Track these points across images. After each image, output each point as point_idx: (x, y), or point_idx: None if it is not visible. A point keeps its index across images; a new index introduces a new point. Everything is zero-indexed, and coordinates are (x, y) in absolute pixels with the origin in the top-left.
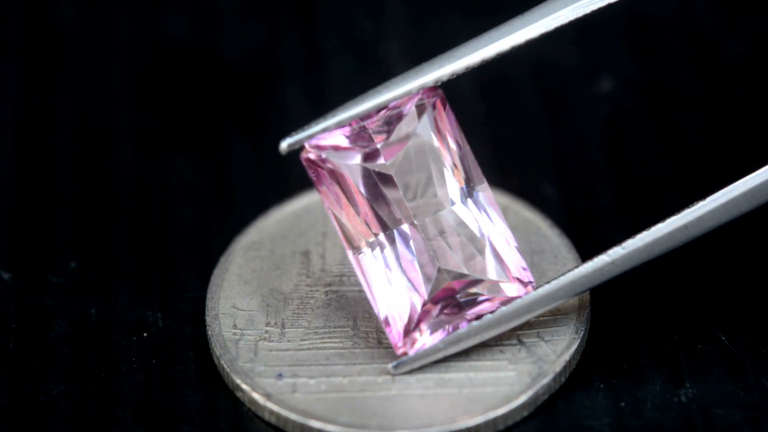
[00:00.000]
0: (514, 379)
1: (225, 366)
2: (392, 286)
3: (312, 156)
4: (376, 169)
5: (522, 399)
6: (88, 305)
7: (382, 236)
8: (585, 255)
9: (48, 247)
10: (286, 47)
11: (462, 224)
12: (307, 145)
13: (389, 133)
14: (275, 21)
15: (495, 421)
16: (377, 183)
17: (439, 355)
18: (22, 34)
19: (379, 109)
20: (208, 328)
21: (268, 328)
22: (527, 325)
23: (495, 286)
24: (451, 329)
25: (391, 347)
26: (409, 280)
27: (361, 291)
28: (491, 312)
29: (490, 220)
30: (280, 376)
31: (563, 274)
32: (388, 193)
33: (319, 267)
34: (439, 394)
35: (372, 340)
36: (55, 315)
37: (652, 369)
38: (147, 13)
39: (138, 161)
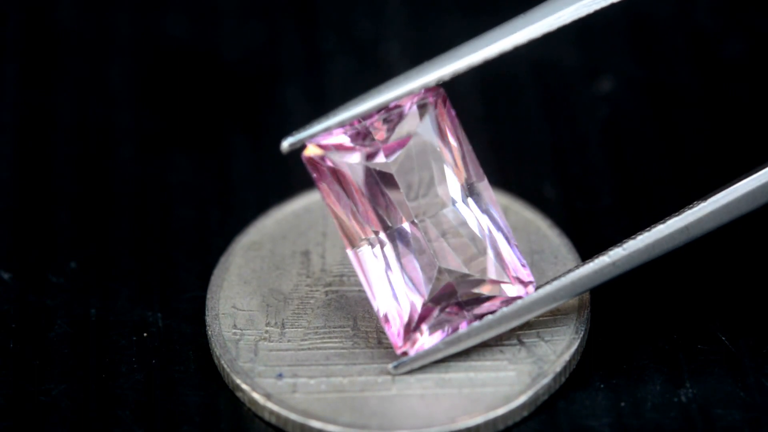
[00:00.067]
0: (514, 379)
1: (225, 366)
2: (392, 285)
3: (313, 155)
4: (378, 168)
5: (522, 399)
6: (88, 305)
7: (382, 235)
8: (585, 255)
9: (48, 247)
10: (286, 47)
11: (463, 224)
12: (308, 144)
13: (391, 132)
14: (275, 21)
15: (495, 421)
16: (378, 182)
17: (439, 356)
18: (22, 34)
19: (380, 109)
20: (208, 328)
21: (268, 328)
22: (527, 325)
23: (495, 286)
24: (451, 329)
25: (391, 347)
26: (410, 280)
27: (361, 291)
28: (492, 312)
29: (491, 219)
30: (280, 376)
31: (563, 275)
32: (389, 192)
33: (319, 267)
34: (439, 394)
35: (372, 340)
36: (55, 315)
37: (652, 369)
38: (147, 13)
39: (138, 161)
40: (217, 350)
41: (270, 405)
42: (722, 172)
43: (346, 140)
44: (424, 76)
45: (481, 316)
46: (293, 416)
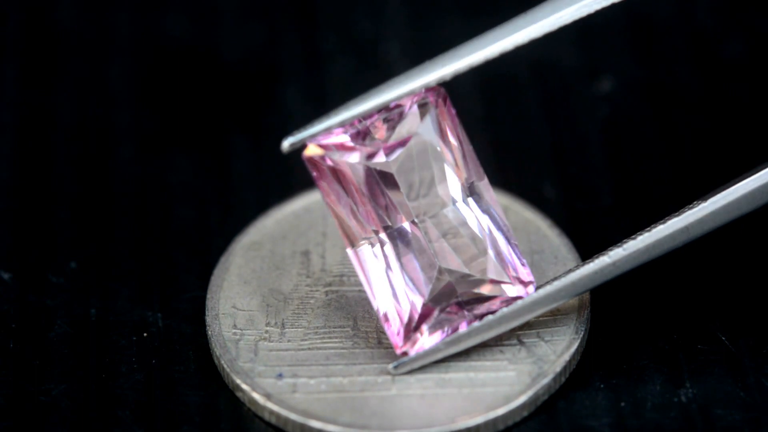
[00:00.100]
0: (514, 379)
1: (225, 366)
2: (392, 285)
3: (314, 155)
4: (378, 168)
5: (522, 399)
6: (88, 305)
7: (382, 234)
8: (585, 255)
9: (48, 247)
10: (286, 47)
11: (463, 224)
12: (309, 144)
13: (391, 131)
14: (275, 21)
15: (495, 421)
16: (378, 182)
17: (439, 356)
18: (22, 34)
19: (381, 108)
20: (208, 328)
21: (268, 328)
22: (527, 325)
23: (496, 286)
24: (451, 329)
25: (391, 347)
26: (410, 280)
27: (361, 291)
28: (492, 312)
29: (491, 219)
30: (280, 376)
31: (564, 275)
32: (390, 192)
33: (319, 267)
34: (439, 394)
35: (372, 340)
36: (55, 315)
37: (652, 369)
38: (147, 13)
39: (138, 161)
40: (217, 350)
41: (270, 405)
42: (722, 172)
43: (346, 140)
44: (425, 76)
45: (481, 316)
46: (293, 416)
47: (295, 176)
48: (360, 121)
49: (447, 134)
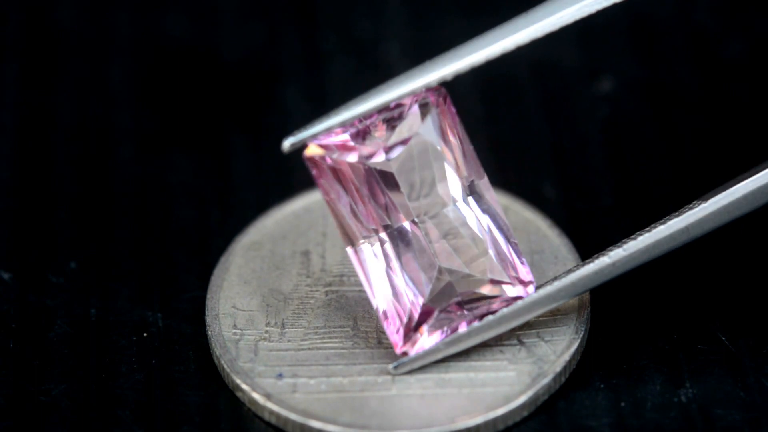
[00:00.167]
0: (514, 379)
1: (225, 366)
2: (392, 285)
3: (314, 154)
4: (378, 168)
5: (522, 399)
6: (88, 305)
7: (383, 234)
8: (585, 255)
9: (48, 247)
10: (286, 47)
11: (463, 223)
12: (309, 144)
13: (391, 131)
14: (275, 21)
15: (495, 421)
16: (379, 181)
17: (439, 356)
18: (22, 34)
19: (381, 108)
20: (208, 328)
21: (268, 328)
22: (527, 325)
23: (496, 286)
24: (451, 329)
25: (391, 347)
26: (410, 280)
27: (361, 291)
28: (492, 312)
29: (492, 219)
30: (280, 376)
31: (563, 275)
32: (390, 191)
33: (319, 267)
34: (439, 394)
35: (372, 340)
36: (55, 315)
37: (652, 369)
38: (147, 13)
39: (138, 161)
40: (217, 350)
41: (270, 405)
42: (722, 172)
43: (347, 139)
44: (426, 76)
45: (481, 316)
46: (293, 416)
47: (295, 176)
48: (360, 121)
49: (447, 134)
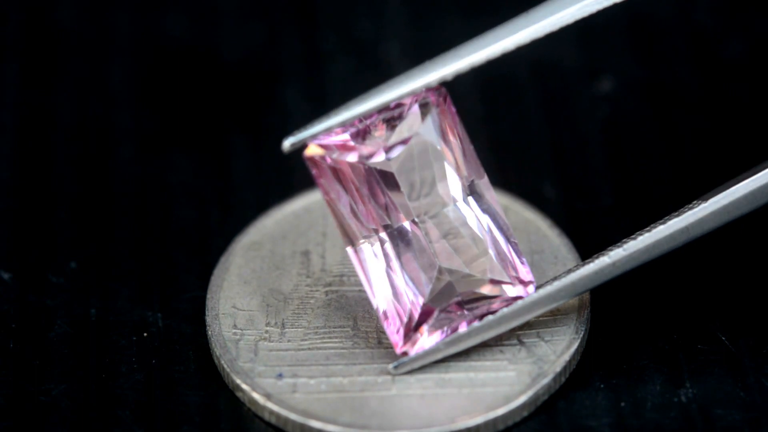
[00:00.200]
0: (514, 379)
1: (225, 366)
2: (393, 285)
3: (314, 154)
4: (378, 168)
5: (522, 399)
6: (88, 305)
7: (383, 234)
8: (585, 255)
9: (48, 247)
10: (286, 47)
11: (464, 223)
12: (309, 144)
13: (392, 131)
14: (275, 21)
15: (495, 421)
16: (379, 181)
17: (439, 356)
18: (22, 34)
19: (381, 108)
20: (208, 328)
21: (268, 328)
22: (527, 325)
23: (496, 286)
24: (451, 329)
25: (391, 347)
26: (410, 280)
27: (361, 291)
28: (492, 312)
29: (492, 218)
30: (280, 376)
31: (563, 275)
32: (390, 191)
33: (319, 267)
34: (439, 394)
35: (372, 340)
36: (55, 315)
37: (652, 369)
38: (147, 13)
39: (138, 161)
40: (217, 350)
41: (270, 405)
42: (722, 172)
43: (347, 139)
44: (426, 76)
45: (481, 316)
46: (293, 416)
47: (295, 176)
48: (360, 121)
49: (448, 134)
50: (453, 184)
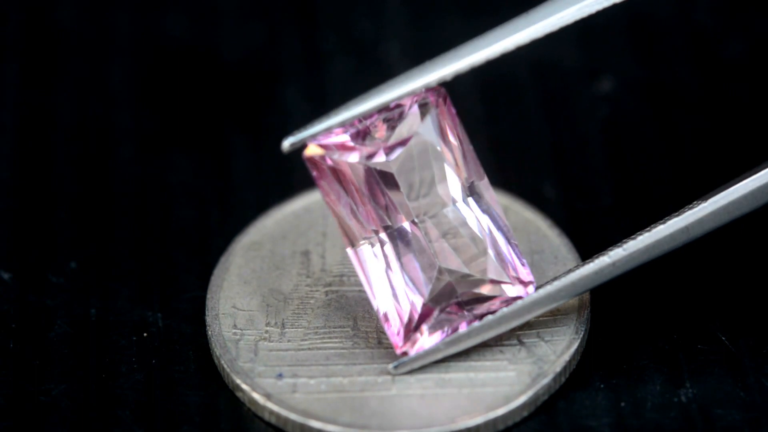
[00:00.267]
0: (514, 379)
1: (225, 366)
2: (392, 285)
3: (314, 154)
4: (378, 168)
5: (522, 399)
6: (88, 305)
7: (383, 234)
8: (585, 255)
9: (48, 247)
10: (286, 47)
11: (463, 224)
12: (309, 144)
13: (391, 131)
14: (275, 21)
15: (495, 421)
16: (378, 182)
17: (439, 356)
18: (22, 34)
19: (381, 109)
20: (208, 328)
21: (268, 328)
22: (527, 325)
23: (496, 286)
24: (451, 329)
25: (391, 347)
26: (410, 280)
27: (362, 291)
28: (492, 312)
29: (492, 219)
30: (280, 376)
31: (563, 275)
32: (390, 191)
33: (319, 267)
34: (439, 394)
35: (372, 340)
36: (55, 315)
37: (652, 369)
38: (147, 13)
39: (138, 161)
40: (217, 350)
41: (270, 405)
42: (722, 172)
43: (346, 140)
44: (425, 76)
45: (481, 316)
46: (293, 416)
47: (295, 176)
48: (360, 121)
49: (447, 134)
50: (453, 184)
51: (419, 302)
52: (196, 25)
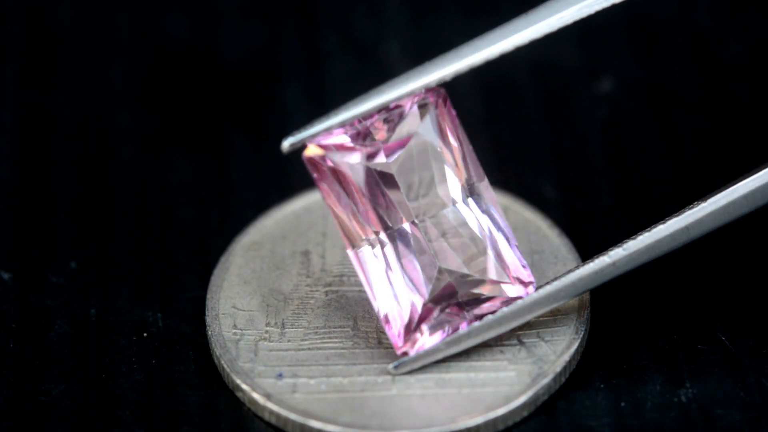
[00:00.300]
0: (514, 379)
1: (225, 366)
2: (393, 285)
3: (314, 155)
4: (378, 168)
5: (522, 399)
6: (88, 305)
7: (383, 235)
8: (585, 255)
9: (48, 247)
10: (286, 47)
11: (463, 224)
12: (309, 144)
13: (391, 132)
14: (275, 21)
15: (495, 421)
16: (378, 182)
17: (440, 356)
18: (22, 34)
19: (381, 109)
20: (208, 328)
21: (268, 328)
22: (527, 326)
23: (496, 287)
24: (451, 330)
25: (391, 347)
26: (410, 280)
27: (362, 291)
28: (492, 312)
29: (491, 219)
30: (280, 376)
31: (563, 275)
32: (390, 192)
33: (319, 267)
34: (439, 394)
35: (372, 340)
36: (55, 315)
37: (652, 369)
38: (147, 13)
39: (138, 161)
40: (217, 350)
41: (270, 405)
42: (722, 172)
43: (346, 140)
44: (425, 77)
45: (481, 317)
46: (293, 416)
47: (295, 176)
48: (360, 122)
49: (447, 135)
50: (452, 184)
51: (419, 302)
52: (196, 25)
